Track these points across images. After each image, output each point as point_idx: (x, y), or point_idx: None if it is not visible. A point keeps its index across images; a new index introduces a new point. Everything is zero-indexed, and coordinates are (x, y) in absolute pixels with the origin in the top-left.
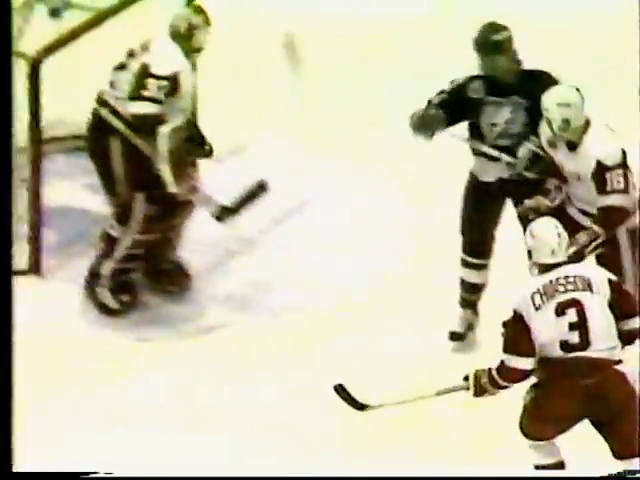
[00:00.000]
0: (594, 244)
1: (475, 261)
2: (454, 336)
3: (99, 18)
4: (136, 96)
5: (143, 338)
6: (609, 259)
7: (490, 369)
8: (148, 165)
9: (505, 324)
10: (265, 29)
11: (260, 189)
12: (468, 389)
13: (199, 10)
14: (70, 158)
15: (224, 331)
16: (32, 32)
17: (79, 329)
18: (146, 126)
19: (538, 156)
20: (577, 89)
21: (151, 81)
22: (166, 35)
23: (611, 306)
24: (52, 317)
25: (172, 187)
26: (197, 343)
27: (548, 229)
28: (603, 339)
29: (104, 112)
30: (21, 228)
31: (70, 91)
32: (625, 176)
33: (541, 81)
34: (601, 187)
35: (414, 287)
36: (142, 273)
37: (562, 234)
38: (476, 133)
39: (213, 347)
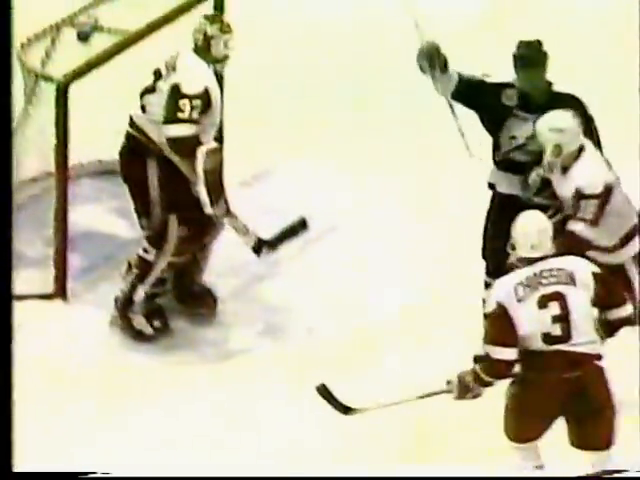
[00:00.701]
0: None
1: None
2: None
3: (127, 42)
4: (172, 119)
5: (169, 362)
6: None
7: (473, 367)
8: (184, 186)
9: (487, 316)
10: (294, 49)
11: (301, 226)
12: (451, 392)
13: (214, 19)
14: (96, 182)
15: (248, 356)
16: (60, 56)
17: (104, 353)
18: (185, 148)
19: (548, 181)
20: (573, 114)
21: (185, 102)
22: (190, 51)
23: (597, 298)
24: (77, 341)
25: (208, 208)
26: (221, 367)
27: (529, 224)
28: (584, 332)
29: (139, 135)
30: (47, 252)
31: (98, 115)
32: (600, 208)
33: (569, 105)
34: (572, 213)
35: (440, 312)
36: (173, 296)
37: (544, 230)
38: (494, 142)
39: (237, 371)
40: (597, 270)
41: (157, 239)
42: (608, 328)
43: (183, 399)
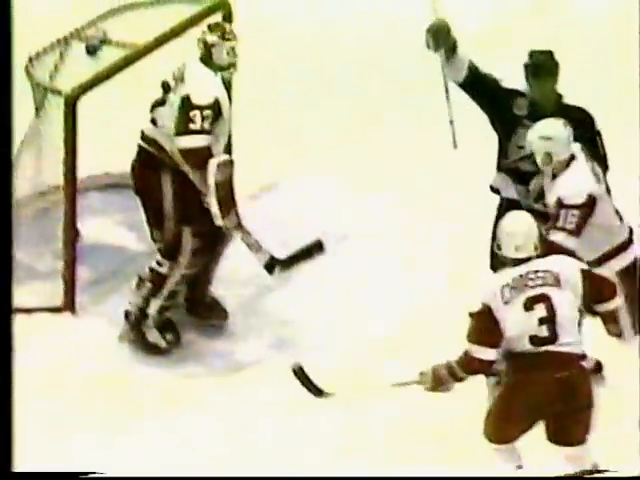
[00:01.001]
0: None
1: None
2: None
3: (135, 55)
4: (184, 131)
5: (178, 374)
6: None
7: (449, 362)
8: (198, 198)
9: (471, 315)
10: (300, 62)
11: (316, 248)
12: (424, 383)
13: (214, 28)
14: (104, 195)
15: (257, 367)
16: (68, 69)
17: (112, 365)
18: (197, 159)
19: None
20: (564, 123)
21: (195, 113)
22: (197, 61)
23: (586, 294)
24: (85, 353)
25: (219, 220)
26: (230, 379)
27: (514, 225)
28: (570, 333)
29: (152, 149)
30: (56, 265)
31: (106, 128)
32: (581, 219)
33: (578, 117)
34: (553, 222)
35: (450, 324)
36: (185, 309)
37: (528, 231)
38: (500, 147)
39: (246, 383)
40: (585, 267)
41: (171, 251)
42: (593, 313)
43: (191, 410)
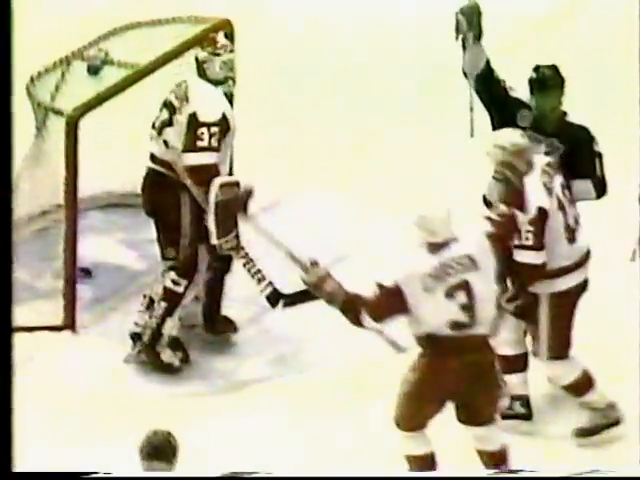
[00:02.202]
0: (505, 297)
1: None
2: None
3: (137, 75)
4: (191, 148)
5: (178, 393)
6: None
7: (341, 295)
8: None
9: (379, 286)
10: (301, 77)
11: None
12: (308, 274)
13: (205, 43)
14: (105, 214)
15: (259, 385)
16: (70, 89)
17: (113, 384)
18: (203, 176)
19: None
20: (522, 134)
21: (203, 130)
22: (197, 78)
23: (498, 257)
24: (86, 372)
25: (214, 240)
26: (232, 397)
27: (428, 209)
28: (488, 316)
29: (166, 171)
30: (56, 284)
31: (107, 148)
32: (536, 234)
33: (579, 136)
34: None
35: None
36: (203, 326)
37: (442, 217)
38: None
39: (248, 401)
40: (488, 227)
41: (187, 270)
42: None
43: (193, 428)
